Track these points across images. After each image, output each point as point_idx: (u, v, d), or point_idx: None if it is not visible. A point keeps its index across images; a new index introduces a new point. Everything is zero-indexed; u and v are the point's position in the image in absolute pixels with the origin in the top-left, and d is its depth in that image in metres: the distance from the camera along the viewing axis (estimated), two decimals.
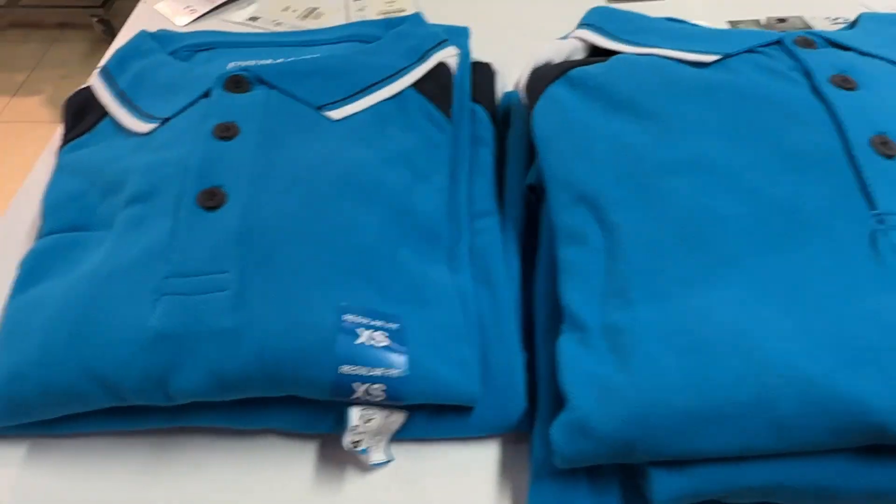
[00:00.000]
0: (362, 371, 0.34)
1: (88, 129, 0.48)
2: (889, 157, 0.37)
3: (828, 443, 0.30)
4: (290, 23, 0.64)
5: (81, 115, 0.50)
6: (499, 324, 0.40)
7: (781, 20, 0.61)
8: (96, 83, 0.50)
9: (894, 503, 0.31)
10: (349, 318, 0.36)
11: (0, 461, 0.38)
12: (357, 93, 0.46)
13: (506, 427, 0.37)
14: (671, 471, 0.32)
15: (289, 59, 0.49)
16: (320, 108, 0.45)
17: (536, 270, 0.43)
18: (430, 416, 0.37)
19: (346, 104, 0.46)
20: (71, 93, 0.52)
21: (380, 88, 0.47)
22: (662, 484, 0.32)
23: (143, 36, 0.53)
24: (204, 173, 0.40)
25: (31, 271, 0.41)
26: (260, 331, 0.35)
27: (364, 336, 0.35)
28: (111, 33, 2.00)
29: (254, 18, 0.65)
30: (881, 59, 0.44)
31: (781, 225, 0.36)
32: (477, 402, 0.36)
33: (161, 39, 0.54)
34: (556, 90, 0.45)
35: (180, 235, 0.38)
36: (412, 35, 0.52)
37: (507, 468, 0.37)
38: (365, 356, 0.35)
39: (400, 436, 0.37)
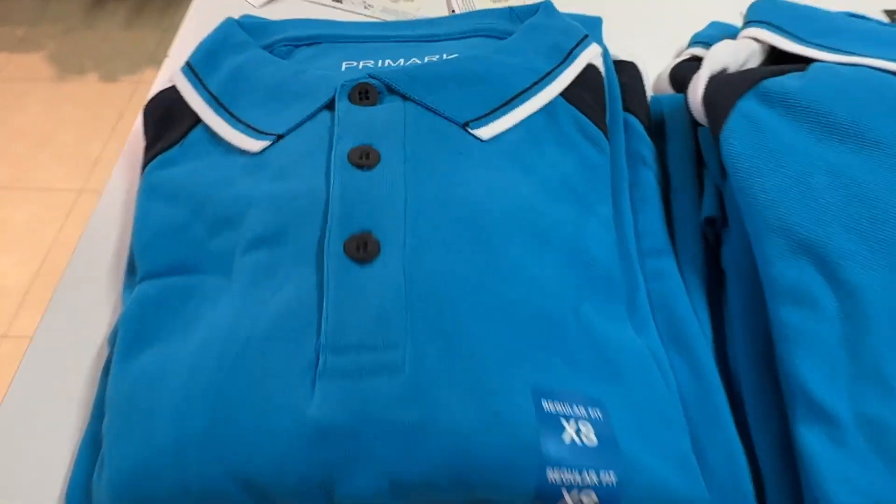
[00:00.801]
0: (573, 477, 0.28)
1: (178, 141, 0.41)
2: None
3: None
4: (381, 5, 0.56)
5: (166, 121, 0.42)
6: (706, 401, 0.33)
7: None
8: (181, 83, 0.43)
9: None
10: (549, 405, 0.29)
11: None
12: (505, 104, 0.39)
13: None
14: None
15: (420, 63, 0.42)
16: (466, 124, 0.38)
17: (729, 326, 0.36)
18: None
19: (494, 119, 0.38)
20: (151, 94, 0.44)
21: (529, 98, 0.40)
22: None
23: (231, 25, 0.46)
24: (348, 214, 0.33)
25: (139, 329, 0.34)
26: (448, 425, 0.28)
27: (570, 430, 0.29)
28: None
29: (338, 0, 0.57)
30: None
31: None
32: None
33: (252, 30, 0.46)
34: (750, 107, 0.38)
35: (331, 296, 0.31)
36: (549, 29, 0.45)
37: None
38: (575, 457, 0.28)
39: None
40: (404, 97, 0.38)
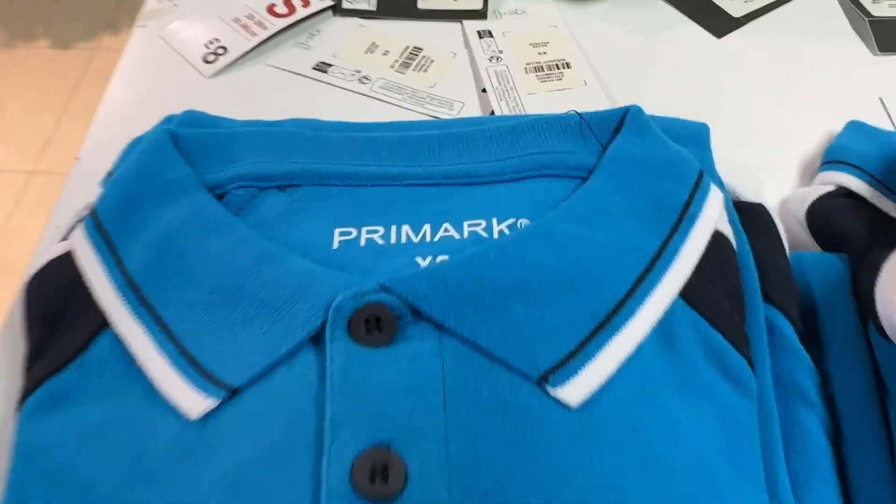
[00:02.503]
0: None
1: (74, 355, 0.25)
2: None
3: None
4: (382, 74, 0.40)
5: (57, 317, 0.26)
6: None
7: None
8: (84, 252, 0.27)
9: None
10: None
11: None
12: (597, 330, 0.24)
13: None
14: None
15: (462, 248, 0.26)
16: (543, 379, 0.23)
17: None
18: None
19: (586, 364, 0.23)
20: (34, 268, 0.28)
21: (635, 311, 0.25)
22: None
23: (163, 143, 0.29)
24: None
25: None
26: None
27: None
28: None
29: (324, 66, 0.41)
30: None
31: None
32: None
33: (195, 147, 0.30)
34: None
35: None
36: (646, 162, 0.29)
37: None
38: None
39: None
40: (439, 326, 0.23)
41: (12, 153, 1.40)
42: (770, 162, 0.36)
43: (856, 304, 0.29)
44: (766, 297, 0.28)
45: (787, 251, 0.30)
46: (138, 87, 0.39)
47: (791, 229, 0.33)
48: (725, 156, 0.33)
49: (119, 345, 0.25)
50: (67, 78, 1.58)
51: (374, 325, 0.23)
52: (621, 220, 0.27)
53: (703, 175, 0.29)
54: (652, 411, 0.23)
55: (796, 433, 0.26)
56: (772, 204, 0.34)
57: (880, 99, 0.39)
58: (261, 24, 0.41)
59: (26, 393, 0.25)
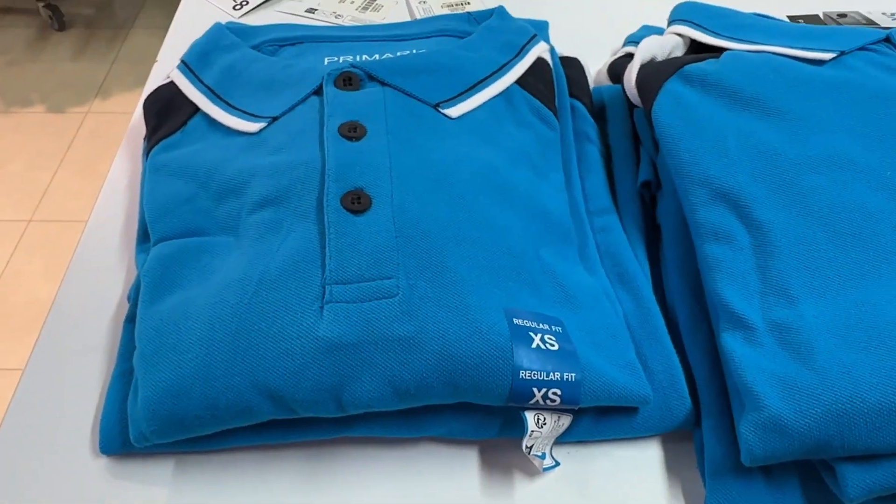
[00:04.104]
0: (541, 376, 0.34)
1: (178, 128, 0.46)
2: None
3: None
4: (350, 14, 0.63)
5: (166, 112, 0.47)
6: (647, 324, 0.40)
7: (842, 15, 0.63)
8: (179, 78, 0.48)
9: None
10: (519, 321, 0.35)
11: (148, 479, 0.36)
12: (469, 89, 0.46)
13: (671, 426, 0.37)
14: (861, 466, 0.32)
15: (395, 55, 0.48)
16: (437, 105, 0.44)
17: (665, 267, 0.43)
18: (595, 419, 0.37)
19: (461, 101, 0.45)
20: (146, 91, 0.49)
21: (489, 84, 0.46)
22: (854, 479, 0.32)
23: (220, 29, 0.51)
24: (343, 175, 0.39)
25: (161, 279, 0.39)
26: (438, 337, 0.34)
27: (536, 340, 0.35)
28: (59, 20, 1.91)
29: (311, 10, 0.63)
30: None
31: None
32: (649, 402, 0.36)
33: (240, 32, 0.52)
34: (674, 87, 0.45)
35: (332, 241, 0.37)
36: (503, 30, 0.51)
37: (669, 466, 0.37)
38: (542, 361, 0.34)
39: (566, 438, 0.37)
40: (383, 83, 0.44)
41: (10, 205, 1.52)
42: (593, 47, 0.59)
43: (625, 101, 0.51)
44: (572, 95, 0.50)
45: (592, 84, 0.53)
46: (191, 32, 0.61)
47: (603, 81, 0.55)
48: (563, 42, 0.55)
49: (205, 120, 0.46)
50: (63, 137, 1.69)
51: (349, 82, 0.44)
52: (486, 50, 0.49)
53: (536, 35, 0.52)
54: (496, 127, 0.45)
55: (584, 155, 0.48)
56: (592, 69, 0.56)
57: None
58: None
59: (149, 149, 0.46)
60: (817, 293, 0.36)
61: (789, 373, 0.33)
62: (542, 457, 0.35)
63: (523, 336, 0.35)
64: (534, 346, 0.34)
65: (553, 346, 0.35)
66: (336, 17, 0.63)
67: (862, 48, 0.45)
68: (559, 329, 0.36)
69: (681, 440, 0.37)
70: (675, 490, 0.36)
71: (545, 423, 0.35)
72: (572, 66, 0.53)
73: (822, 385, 0.32)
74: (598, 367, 0.35)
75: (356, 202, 0.38)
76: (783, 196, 0.39)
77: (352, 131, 0.41)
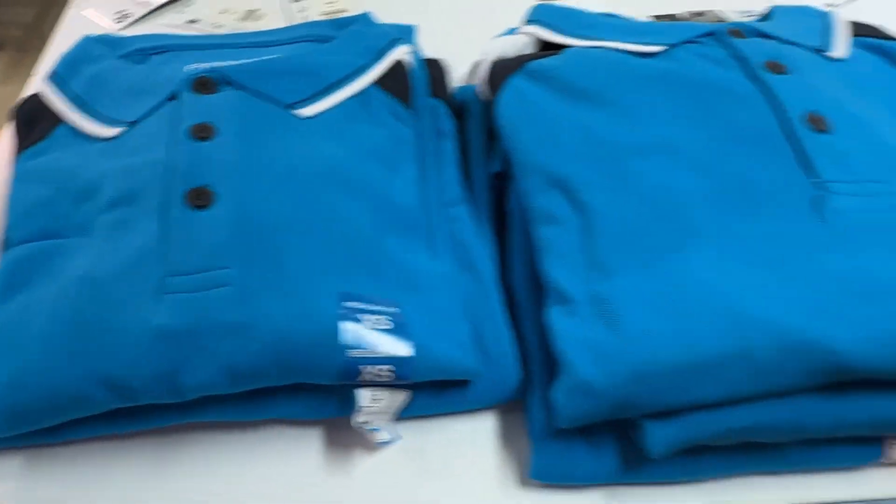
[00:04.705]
0: (369, 353, 0.36)
1: (43, 137, 0.47)
2: (822, 132, 0.42)
3: (800, 384, 0.34)
4: (231, 25, 0.64)
5: (33, 122, 0.48)
6: (485, 304, 0.42)
7: (698, 14, 0.66)
8: (45, 89, 0.49)
9: (855, 430, 0.36)
10: (350, 304, 0.37)
11: None
12: (323, 90, 0.48)
13: (503, 398, 0.39)
14: (663, 422, 0.35)
15: (251, 60, 0.50)
16: (290, 106, 0.46)
17: (510, 251, 0.45)
18: (431, 394, 0.39)
19: (315, 102, 0.47)
20: (18, 100, 0.50)
21: (344, 86, 0.49)
22: (656, 434, 0.35)
23: (89, 40, 0.53)
24: (189, 173, 0.41)
25: (11, 281, 0.40)
26: (268, 322, 0.36)
27: (367, 320, 0.37)
28: None
29: (193, 21, 0.65)
30: (799, 46, 0.49)
31: (737, 196, 0.40)
32: (478, 375, 0.38)
33: (109, 43, 0.53)
34: (517, 82, 0.48)
35: (173, 235, 0.38)
36: (365, 34, 0.54)
37: (504, 436, 0.39)
38: (370, 339, 0.36)
39: (404, 414, 0.38)
40: (238, 86, 0.46)
41: None
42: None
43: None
44: (433, 94, 0.53)
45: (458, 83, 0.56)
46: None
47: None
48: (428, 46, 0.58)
49: (69, 129, 0.47)
50: None
51: (204, 87, 0.46)
52: (345, 54, 0.51)
53: (399, 39, 0.54)
54: (348, 126, 0.47)
55: (441, 150, 0.50)
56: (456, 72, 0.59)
57: None
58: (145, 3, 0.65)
59: (17, 154, 0.47)
60: (632, 267, 0.39)
61: (598, 339, 0.36)
62: (377, 430, 0.37)
63: (352, 317, 0.36)
64: (363, 326, 0.36)
65: (384, 325, 0.37)
66: (216, 27, 0.64)
67: (689, 41, 0.49)
68: (395, 310, 0.38)
69: (515, 411, 0.40)
70: (509, 457, 0.38)
71: (381, 399, 0.37)
72: (434, 67, 0.55)
73: (625, 349, 0.35)
74: (430, 345, 0.37)
75: (199, 198, 0.40)
76: (609, 180, 0.42)
77: (202, 132, 0.43)
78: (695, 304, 0.36)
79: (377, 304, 0.38)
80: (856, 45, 0.52)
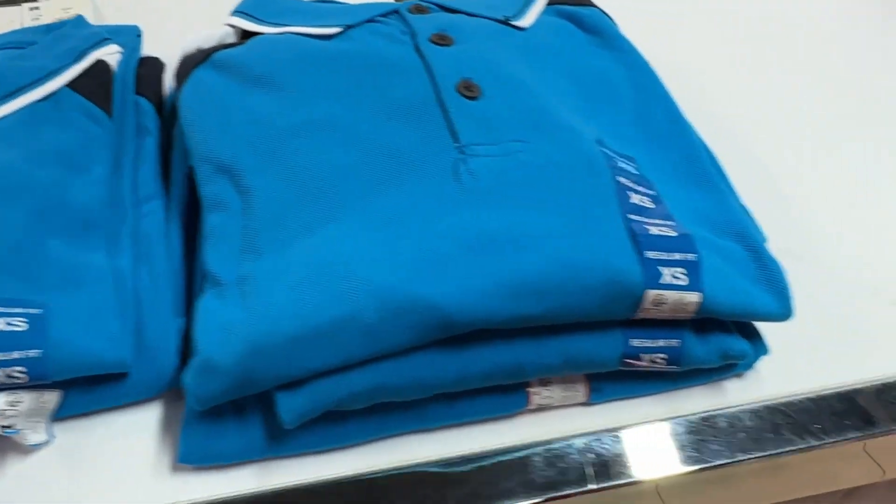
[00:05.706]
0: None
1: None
2: (471, 98, 0.44)
3: (412, 341, 0.35)
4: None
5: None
6: (155, 296, 0.42)
7: None
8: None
9: (482, 382, 0.37)
10: None
11: None
12: (3, 98, 0.47)
13: (161, 387, 0.40)
14: (292, 391, 0.36)
15: None
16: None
17: (198, 243, 0.46)
18: (85, 391, 0.39)
19: None
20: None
21: (29, 91, 0.48)
22: (286, 404, 0.36)
23: None
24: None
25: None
26: None
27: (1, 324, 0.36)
28: None
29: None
30: (483, 17, 0.51)
31: (384, 167, 0.41)
32: (129, 367, 0.39)
33: None
34: (201, 73, 0.48)
35: None
36: (71, 37, 0.53)
37: (166, 426, 0.39)
38: (5, 341, 0.36)
39: (63, 413, 0.38)
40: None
41: None
42: None
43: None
44: (140, 92, 0.53)
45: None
46: None
47: None
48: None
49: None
50: None
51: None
52: (40, 59, 0.51)
53: (107, 39, 0.53)
54: (30, 131, 0.46)
55: (142, 147, 0.50)
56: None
57: None
58: None
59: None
60: (280, 245, 0.39)
61: (230, 317, 0.36)
62: (16, 433, 0.36)
63: None
64: None
65: (17, 326, 0.37)
66: None
67: (370, 20, 0.50)
68: (36, 311, 0.38)
69: (182, 399, 0.40)
70: (167, 446, 0.39)
71: (21, 402, 0.37)
72: (147, 65, 0.55)
73: (248, 323, 0.35)
74: (71, 341, 0.37)
75: None
76: (270, 162, 0.43)
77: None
78: (315, 274, 0.36)
79: (16, 306, 0.38)
80: (548, 13, 0.54)
